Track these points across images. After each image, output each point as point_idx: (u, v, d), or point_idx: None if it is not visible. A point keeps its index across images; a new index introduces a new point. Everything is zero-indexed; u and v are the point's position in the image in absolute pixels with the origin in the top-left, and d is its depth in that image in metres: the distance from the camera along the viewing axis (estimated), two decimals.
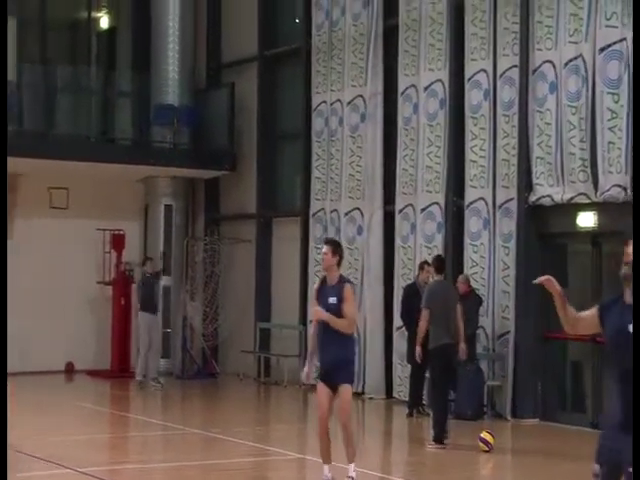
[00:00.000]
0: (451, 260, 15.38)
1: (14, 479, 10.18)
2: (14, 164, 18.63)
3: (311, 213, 18.50)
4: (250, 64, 20.34)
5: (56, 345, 19.94)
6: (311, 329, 10.24)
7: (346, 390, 9.41)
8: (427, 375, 13.97)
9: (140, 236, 21.03)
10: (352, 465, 9.47)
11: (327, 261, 9.55)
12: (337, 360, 9.39)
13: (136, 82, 20.77)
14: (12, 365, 19.53)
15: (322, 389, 9.49)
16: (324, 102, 18.28)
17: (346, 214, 17.71)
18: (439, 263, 13.12)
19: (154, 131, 20.24)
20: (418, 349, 12.79)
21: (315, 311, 9.47)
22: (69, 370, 20.27)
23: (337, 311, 9.38)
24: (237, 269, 20.44)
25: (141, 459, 11.89)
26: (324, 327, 9.49)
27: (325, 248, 9.60)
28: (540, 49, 14.53)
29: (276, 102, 20.20)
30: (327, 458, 9.53)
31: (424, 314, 12.48)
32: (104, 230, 20.21)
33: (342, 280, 9.58)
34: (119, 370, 19.72)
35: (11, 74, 19.41)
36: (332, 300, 9.40)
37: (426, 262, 14.95)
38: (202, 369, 20.33)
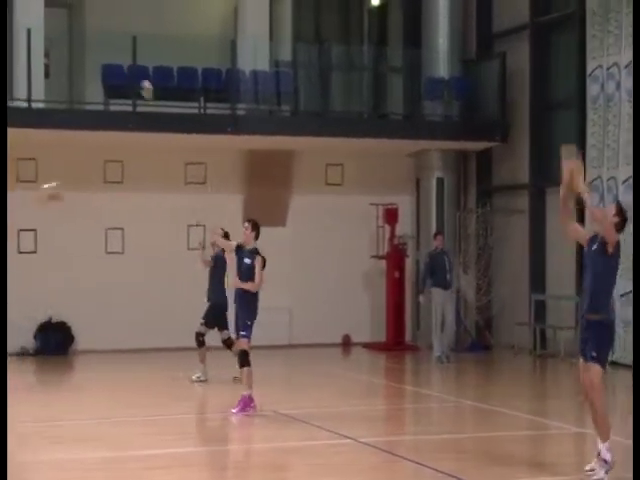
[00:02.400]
0: None
1: (297, 446, 10.55)
2: (290, 142, 19.26)
3: (587, 181, 17.98)
4: (522, 32, 19.97)
5: (333, 318, 20.43)
6: None
7: (594, 370, 9.07)
8: None
9: (412, 210, 21.18)
10: (604, 445, 8.99)
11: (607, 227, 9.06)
12: (588, 338, 9.10)
13: (407, 57, 20.84)
14: (292, 337, 20.27)
15: (580, 363, 9.23)
16: (600, 67, 17.70)
17: (624, 182, 17.11)
18: None
19: (425, 105, 20.29)
20: None
21: None
22: (346, 343, 20.72)
23: None
24: (510, 240, 20.21)
25: (417, 430, 11.99)
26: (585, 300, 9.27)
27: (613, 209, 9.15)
28: None
29: (549, 70, 19.75)
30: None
31: None
32: (377, 205, 20.49)
33: None
34: (394, 343, 19.97)
35: (287, 54, 20.02)
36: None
37: None
38: (476, 341, 20.28)
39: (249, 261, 12.40)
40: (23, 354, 18.83)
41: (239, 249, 12.61)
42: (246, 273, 12.39)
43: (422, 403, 14.32)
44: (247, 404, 12.30)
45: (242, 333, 12.29)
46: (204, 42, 19.61)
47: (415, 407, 14.10)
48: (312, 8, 22.09)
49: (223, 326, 14.94)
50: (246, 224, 12.66)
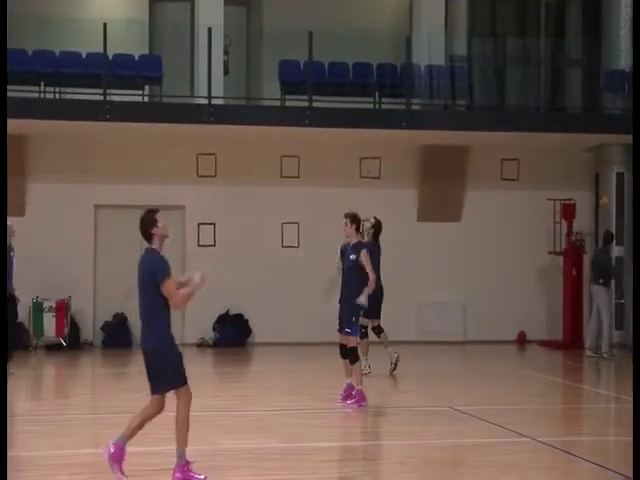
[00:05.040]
0: None
1: (473, 443, 10.46)
2: (465, 137, 19.12)
3: None
4: None
5: (508, 315, 20.18)
6: None
7: None
8: None
9: (590, 205, 20.69)
10: None
11: None
12: None
13: (586, 49, 20.40)
14: (467, 333, 20.11)
15: None
16: None
17: None
18: None
19: (604, 98, 19.79)
20: None
21: None
22: (521, 340, 20.43)
23: None
24: None
25: (596, 431, 11.68)
26: None
27: None
28: None
29: None
30: None
31: None
32: (554, 200, 20.10)
33: None
34: (571, 341, 19.56)
35: (462, 48, 19.88)
36: None
37: None
38: None
39: (354, 257, 12.32)
40: (202, 345, 19.32)
41: (343, 251, 12.53)
42: (351, 269, 12.33)
43: (600, 403, 13.97)
44: (361, 399, 12.38)
45: (347, 330, 12.31)
46: (379, 37, 19.68)
47: (593, 407, 13.76)
48: (488, 1, 21.84)
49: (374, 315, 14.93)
50: (345, 219, 12.47)
